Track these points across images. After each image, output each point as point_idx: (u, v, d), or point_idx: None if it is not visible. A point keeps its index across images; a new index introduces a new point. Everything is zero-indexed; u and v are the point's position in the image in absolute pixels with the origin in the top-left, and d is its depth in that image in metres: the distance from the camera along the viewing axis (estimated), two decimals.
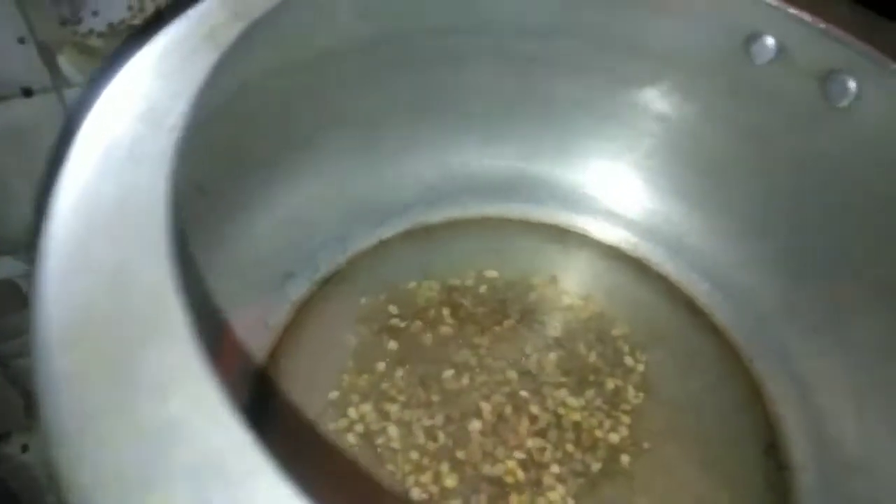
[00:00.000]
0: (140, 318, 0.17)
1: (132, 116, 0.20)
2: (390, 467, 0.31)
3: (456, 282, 0.38)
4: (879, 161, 0.30)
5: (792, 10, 0.29)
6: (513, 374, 0.35)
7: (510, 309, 0.38)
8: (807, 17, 0.28)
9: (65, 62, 0.31)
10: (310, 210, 0.37)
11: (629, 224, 0.41)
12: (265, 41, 0.25)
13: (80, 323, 0.17)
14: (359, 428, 0.32)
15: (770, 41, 0.32)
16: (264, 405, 0.32)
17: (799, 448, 0.34)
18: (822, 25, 0.28)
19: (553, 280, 0.39)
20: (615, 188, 0.41)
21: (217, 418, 0.16)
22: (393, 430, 0.32)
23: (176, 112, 0.20)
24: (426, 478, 0.31)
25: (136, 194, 0.19)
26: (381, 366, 0.35)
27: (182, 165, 0.23)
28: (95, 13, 0.31)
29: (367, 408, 0.33)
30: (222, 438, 0.16)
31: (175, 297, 0.17)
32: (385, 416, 0.33)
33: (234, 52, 0.22)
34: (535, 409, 0.34)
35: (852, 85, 0.31)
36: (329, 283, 0.38)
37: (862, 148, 0.31)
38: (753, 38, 0.33)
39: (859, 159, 0.31)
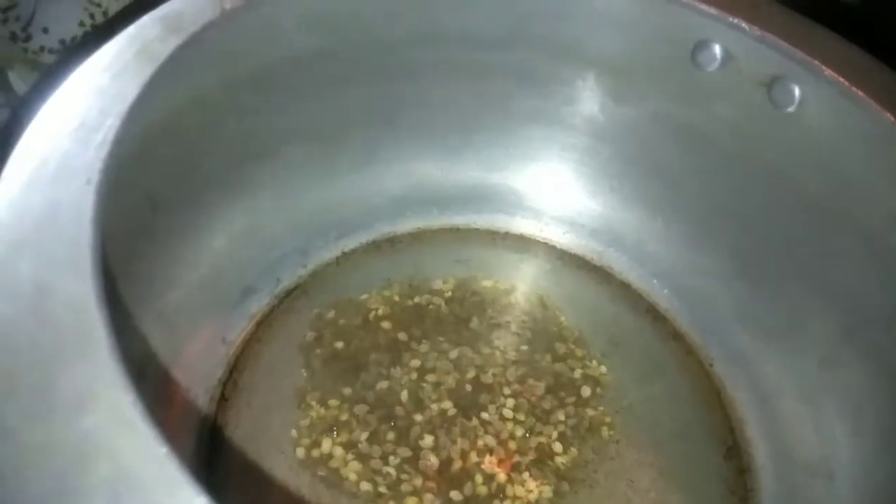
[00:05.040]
0: (61, 335, 0.17)
1: (63, 133, 0.20)
2: (348, 489, 0.31)
3: (417, 292, 0.38)
4: (821, 166, 0.31)
5: (732, 19, 0.29)
6: (471, 387, 0.35)
7: (471, 318, 0.38)
8: (745, 24, 0.29)
9: (16, 79, 0.31)
10: (270, 224, 0.37)
11: (593, 232, 0.42)
12: (205, 56, 0.25)
13: (1, 339, 0.17)
14: (314, 452, 0.32)
15: (717, 49, 0.33)
16: (220, 425, 0.32)
17: (759, 451, 0.35)
18: (759, 33, 0.29)
19: (516, 289, 0.39)
20: (577, 197, 0.42)
21: (134, 432, 0.16)
22: (349, 456, 0.32)
23: (105, 128, 0.20)
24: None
25: (62, 210, 0.19)
26: (337, 383, 0.34)
27: (124, 180, 0.23)
28: (46, 30, 0.31)
29: (322, 431, 0.32)
30: (139, 452, 0.16)
31: (97, 313, 0.17)
32: (341, 442, 0.32)
33: (170, 67, 0.23)
34: (493, 421, 0.34)
35: (797, 91, 0.31)
36: (289, 297, 0.38)
37: (807, 153, 0.31)
38: (701, 45, 0.33)
39: (805, 165, 0.32)
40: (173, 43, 0.23)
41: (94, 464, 0.16)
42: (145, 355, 0.30)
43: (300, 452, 0.32)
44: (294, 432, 0.32)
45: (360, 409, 0.33)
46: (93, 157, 0.20)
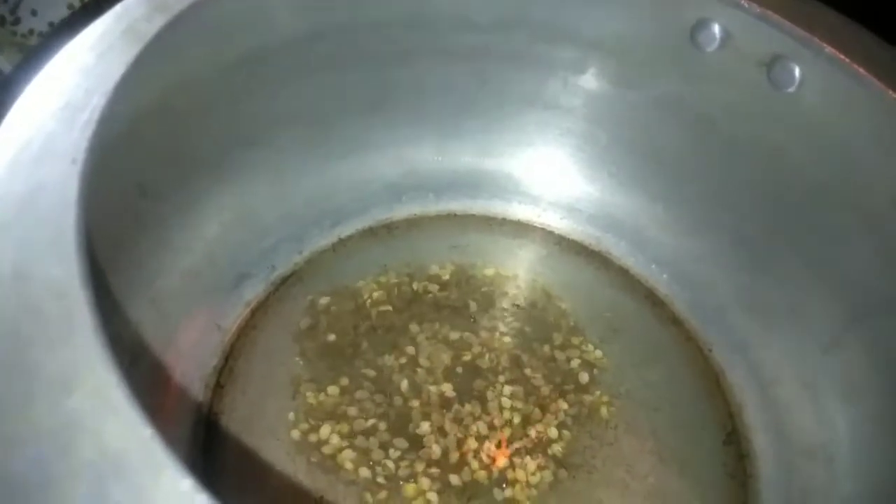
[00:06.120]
0: (43, 318, 0.17)
1: (47, 113, 0.20)
2: (345, 476, 0.31)
3: (414, 279, 0.38)
4: (822, 147, 0.30)
5: None
6: (468, 373, 0.35)
7: (468, 304, 0.37)
8: (744, 2, 0.28)
9: (4, 62, 0.31)
10: (264, 210, 0.37)
11: (591, 218, 0.41)
12: (192, 36, 0.24)
13: None
14: (311, 438, 0.32)
15: (716, 28, 0.32)
16: (216, 411, 0.32)
17: (758, 437, 0.34)
18: (758, 10, 0.28)
19: (513, 275, 0.39)
20: (575, 182, 0.41)
21: (119, 414, 0.16)
22: (345, 443, 0.32)
23: (91, 108, 0.20)
24: (381, 491, 0.31)
25: (45, 192, 0.18)
26: (332, 369, 0.34)
27: (111, 163, 0.23)
28: (34, 13, 0.31)
29: (318, 418, 0.32)
30: (124, 434, 0.16)
31: (80, 296, 0.17)
32: (337, 427, 0.32)
33: (156, 46, 0.22)
34: (491, 408, 0.34)
35: (797, 70, 0.30)
36: (285, 284, 0.37)
37: (808, 134, 0.31)
38: (700, 25, 0.33)
39: (806, 146, 0.31)
40: (159, 22, 0.22)
41: (78, 446, 0.15)
42: (138, 342, 0.30)
43: (296, 438, 0.32)
44: (290, 418, 0.32)
45: (357, 395, 0.33)
46: (78, 138, 0.19)
